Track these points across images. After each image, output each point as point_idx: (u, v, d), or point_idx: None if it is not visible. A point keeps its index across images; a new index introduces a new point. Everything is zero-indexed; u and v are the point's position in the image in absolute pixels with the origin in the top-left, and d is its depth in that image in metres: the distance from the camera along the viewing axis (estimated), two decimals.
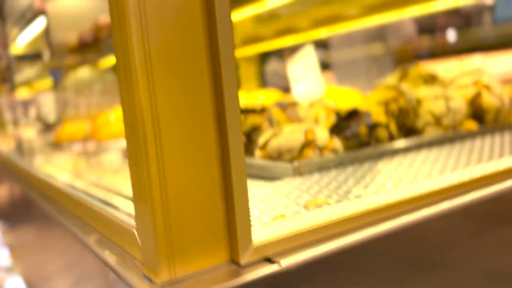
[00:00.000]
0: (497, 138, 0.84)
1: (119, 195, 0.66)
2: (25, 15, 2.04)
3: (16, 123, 2.08)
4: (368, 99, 0.84)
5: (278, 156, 0.68)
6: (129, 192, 0.59)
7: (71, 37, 1.80)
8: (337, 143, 0.70)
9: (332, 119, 0.77)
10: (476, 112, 0.90)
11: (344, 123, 0.74)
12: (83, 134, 1.49)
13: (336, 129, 0.74)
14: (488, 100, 0.89)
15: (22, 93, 2.69)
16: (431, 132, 0.80)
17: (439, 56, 3.10)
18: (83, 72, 1.81)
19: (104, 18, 1.48)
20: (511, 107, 0.93)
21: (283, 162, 0.65)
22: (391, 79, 1.00)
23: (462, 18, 2.75)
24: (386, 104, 0.81)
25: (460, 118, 0.83)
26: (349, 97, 1.23)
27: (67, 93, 2.04)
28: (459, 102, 0.83)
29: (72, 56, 1.76)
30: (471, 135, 0.84)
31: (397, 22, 2.48)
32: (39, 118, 2.38)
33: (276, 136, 0.70)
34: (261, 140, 0.72)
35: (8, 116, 2.42)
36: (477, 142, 0.81)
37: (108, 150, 1.22)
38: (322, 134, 0.69)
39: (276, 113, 0.85)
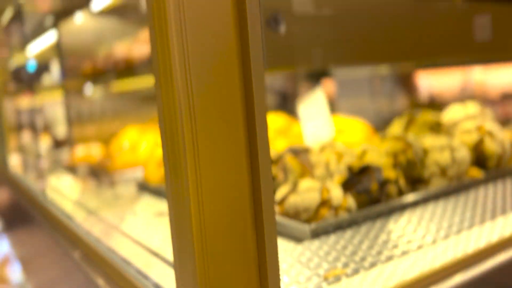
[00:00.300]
0: (499, 186, 0.89)
1: (151, 252, 0.70)
2: (41, 23, 2.06)
3: (25, 137, 2.11)
4: (377, 149, 0.89)
5: (295, 214, 0.72)
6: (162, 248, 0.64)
7: (82, 58, 1.84)
8: (350, 201, 0.74)
9: (344, 171, 0.82)
10: (479, 158, 0.95)
11: (356, 178, 0.79)
12: (96, 159, 1.53)
13: (348, 184, 0.79)
14: (491, 147, 0.94)
15: (26, 102, 2.70)
16: (437, 183, 0.85)
17: (440, 66, 3.14)
18: (95, 92, 1.86)
19: (119, 49, 1.52)
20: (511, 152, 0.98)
21: (301, 224, 0.70)
22: (398, 124, 1.04)
23: None
24: (394, 156, 0.86)
25: (465, 168, 0.87)
26: (354, 130, 1.28)
27: (77, 109, 2.07)
28: (464, 153, 0.88)
29: (83, 77, 1.80)
30: (475, 183, 0.88)
31: None
32: (46, 129, 2.41)
33: (293, 193, 0.74)
34: (278, 195, 0.77)
35: (19, 126, 2.45)
36: (481, 191, 0.86)
37: (123, 181, 1.26)
38: (336, 193, 0.73)
39: (290, 160, 0.90)
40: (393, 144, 0.87)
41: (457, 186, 0.86)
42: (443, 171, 0.86)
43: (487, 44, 0.60)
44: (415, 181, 0.87)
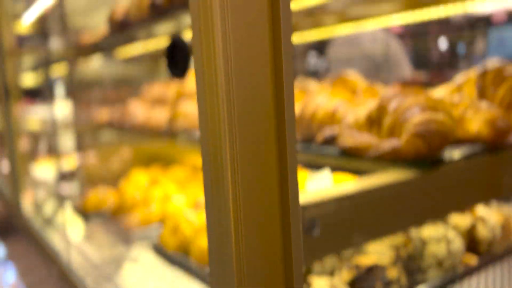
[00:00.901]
0: (490, 273, 0.98)
1: None
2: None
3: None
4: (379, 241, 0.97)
5: None
6: None
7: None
8: None
9: (352, 272, 0.91)
10: (471, 242, 1.04)
11: (363, 277, 0.88)
12: (107, 204, 1.60)
13: (354, 283, 0.87)
14: (482, 233, 1.03)
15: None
16: (434, 274, 0.94)
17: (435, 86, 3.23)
18: (106, 134, 1.92)
19: (131, 105, 1.58)
20: (502, 234, 1.07)
21: None
22: None
23: (455, 57, 2.88)
24: (396, 249, 0.95)
25: (459, 259, 0.96)
26: None
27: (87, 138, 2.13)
28: (458, 244, 0.97)
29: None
30: (468, 272, 0.98)
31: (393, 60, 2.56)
32: (56, 156, 2.45)
33: None
34: None
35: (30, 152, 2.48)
36: (473, 281, 0.95)
37: (137, 241, 1.33)
38: None
39: None
40: (395, 236, 0.96)
41: (452, 277, 0.95)
42: (439, 263, 0.95)
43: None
44: (413, 271, 0.96)
